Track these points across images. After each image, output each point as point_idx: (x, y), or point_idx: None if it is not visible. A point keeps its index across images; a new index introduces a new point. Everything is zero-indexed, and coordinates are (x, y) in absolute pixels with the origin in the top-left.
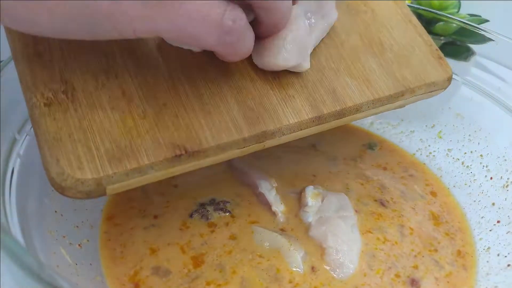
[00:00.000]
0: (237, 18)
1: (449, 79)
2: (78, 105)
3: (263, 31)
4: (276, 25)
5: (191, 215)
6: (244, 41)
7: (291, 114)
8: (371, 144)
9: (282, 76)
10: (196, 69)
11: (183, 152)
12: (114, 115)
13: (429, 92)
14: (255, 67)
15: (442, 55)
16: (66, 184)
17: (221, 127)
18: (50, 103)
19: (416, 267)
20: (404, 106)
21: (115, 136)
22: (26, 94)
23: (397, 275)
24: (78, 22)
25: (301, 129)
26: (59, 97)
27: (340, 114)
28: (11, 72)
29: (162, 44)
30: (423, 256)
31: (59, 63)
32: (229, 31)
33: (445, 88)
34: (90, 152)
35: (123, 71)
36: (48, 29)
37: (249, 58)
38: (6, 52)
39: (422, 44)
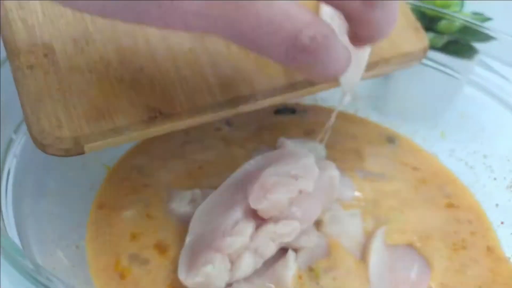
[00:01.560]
0: (319, 35)
1: (425, 50)
2: (58, 68)
3: (356, 42)
4: (373, 37)
5: None
6: (327, 62)
7: (265, 80)
8: (391, 138)
9: None
10: (173, 35)
11: (158, 114)
12: (92, 78)
13: (404, 62)
14: None
15: (419, 26)
16: (46, 142)
17: (195, 91)
18: (32, 66)
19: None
20: (379, 76)
21: (93, 97)
22: (10, 57)
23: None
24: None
25: (274, 95)
26: (40, 60)
27: (313, 82)
28: (7, 71)
29: None
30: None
31: (41, 28)
32: (303, 49)
33: (421, 60)
34: (68, 112)
35: (102, 37)
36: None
37: None
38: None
39: (400, 15)
